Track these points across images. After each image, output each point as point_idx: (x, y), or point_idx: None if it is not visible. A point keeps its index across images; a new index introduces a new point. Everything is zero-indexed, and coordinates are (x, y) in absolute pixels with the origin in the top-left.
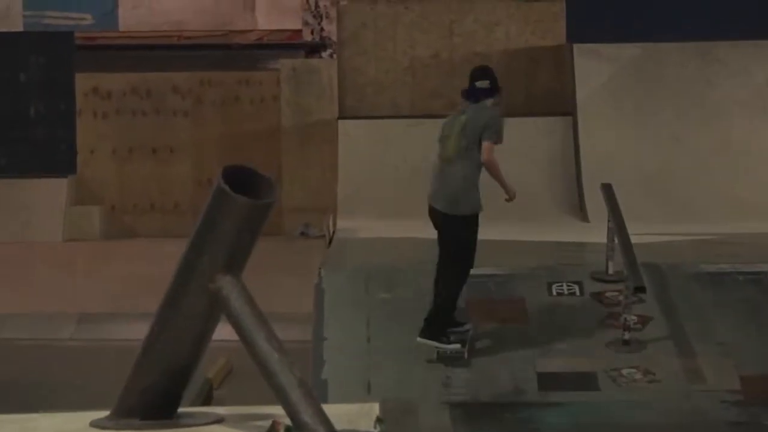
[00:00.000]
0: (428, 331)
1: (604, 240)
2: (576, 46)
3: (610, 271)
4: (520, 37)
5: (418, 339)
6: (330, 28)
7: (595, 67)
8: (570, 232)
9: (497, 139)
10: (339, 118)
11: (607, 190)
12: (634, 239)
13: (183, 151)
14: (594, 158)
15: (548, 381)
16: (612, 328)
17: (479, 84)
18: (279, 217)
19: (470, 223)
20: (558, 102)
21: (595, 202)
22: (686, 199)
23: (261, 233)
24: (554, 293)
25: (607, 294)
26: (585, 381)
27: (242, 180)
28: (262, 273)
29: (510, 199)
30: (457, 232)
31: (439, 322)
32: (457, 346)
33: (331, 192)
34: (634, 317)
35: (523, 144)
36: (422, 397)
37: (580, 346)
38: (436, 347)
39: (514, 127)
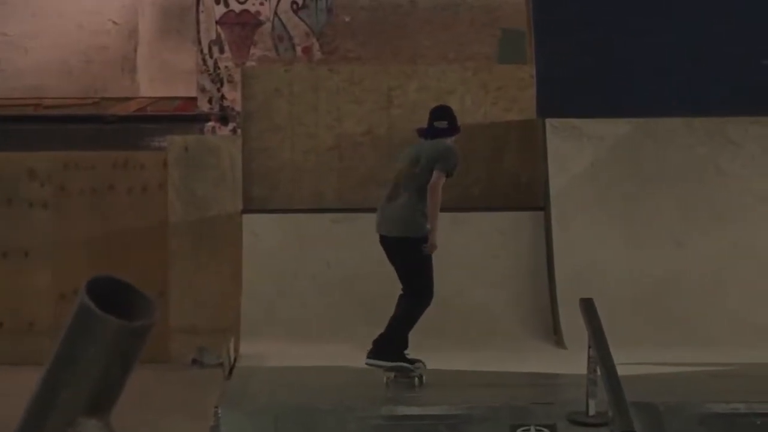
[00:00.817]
0: (377, 352)
1: (584, 371)
2: (549, 122)
3: (592, 412)
4: (478, 109)
5: (366, 361)
6: (233, 96)
7: (575, 149)
8: (541, 361)
9: (449, 172)
10: (244, 212)
11: (588, 307)
12: (622, 371)
13: (41, 254)
14: (572, 266)
15: None
16: None
17: (437, 124)
18: (165, 339)
19: (420, 245)
20: (527, 193)
21: (573, 323)
22: (691, 320)
23: (138, 362)
24: None
25: None
26: None
27: (114, 294)
28: (141, 412)
29: (429, 250)
30: (408, 255)
31: (390, 346)
32: (408, 365)
33: (232, 308)
34: None
35: (482, 246)
36: None
37: None
38: (386, 367)
39: (470, 225)
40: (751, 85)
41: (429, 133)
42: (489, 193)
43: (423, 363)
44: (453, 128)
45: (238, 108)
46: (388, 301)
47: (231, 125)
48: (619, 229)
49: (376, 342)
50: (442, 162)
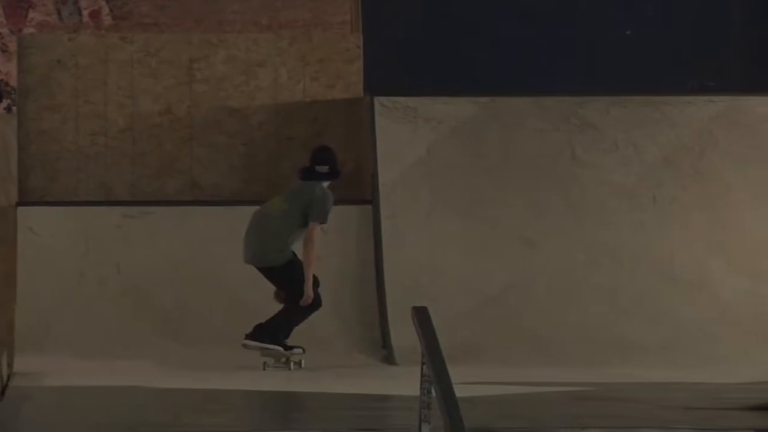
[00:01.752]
0: (255, 334)
1: (417, 392)
2: (378, 101)
3: None
4: (296, 85)
5: (244, 342)
6: (8, 68)
7: (408, 132)
8: (368, 380)
9: (323, 219)
10: (19, 204)
11: (422, 316)
12: (461, 391)
13: None
14: (404, 269)
15: None
16: None
17: (318, 168)
18: None
19: (286, 269)
20: (352, 184)
21: (406, 336)
22: (541, 333)
23: None
24: None
25: None
26: None
27: None
28: None
29: (304, 303)
30: (280, 281)
31: (271, 331)
32: (280, 349)
33: (4, 317)
34: None
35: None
36: None
37: None
38: (263, 348)
39: None
40: (613, 60)
41: (308, 174)
42: None
43: (302, 349)
44: (333, 174)
45: (13, 82)
46: (186, 310)
47: (5, 103)
48: (460, 227)
49: (257, 326)
50: (317, 210)
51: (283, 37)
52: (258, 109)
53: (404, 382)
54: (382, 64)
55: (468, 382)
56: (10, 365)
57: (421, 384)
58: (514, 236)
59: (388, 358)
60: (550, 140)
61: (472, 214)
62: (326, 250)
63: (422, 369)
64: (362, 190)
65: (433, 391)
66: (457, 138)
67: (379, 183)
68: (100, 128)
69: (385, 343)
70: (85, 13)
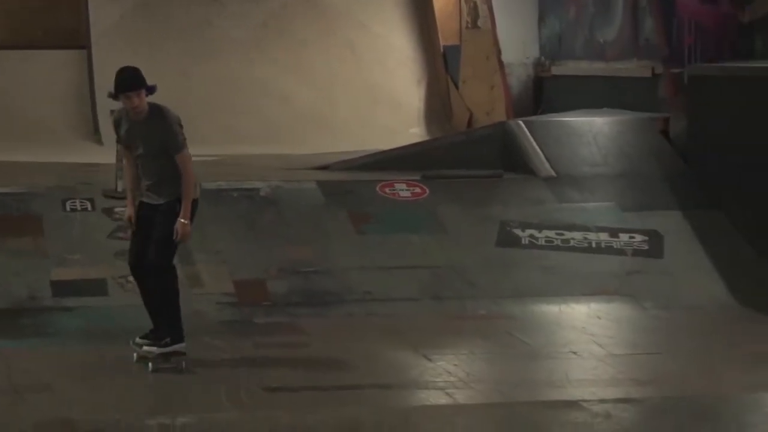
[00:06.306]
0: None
1: (115, 161)
2: None
3: (119, 189)
4: None
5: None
6: None
7: (109, 6)
8: (85, 155)
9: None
10: None
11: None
12: None
13: None
14: (108, 88)
15: (62, 288)
16: (120, 240)
17: None
18: None
19: None
20: (74, 37)
21: (109, 129)
22: (194, 126)
23: None
24: (68, 209)
25: (116, 209)
26: (95, 287)
27: None
28: None
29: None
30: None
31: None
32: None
33: None
34: None
35: (42, 76)
36: None
37: (91, 256)
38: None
39: (33, 61)
40: None
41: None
42: (47, 37)
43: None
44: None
45: None
46: None
47: None
48: (142, 64)
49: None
50: None
51: None
52: None
53: (108, 155)
54: None
55: None
56: None
57: (116, 155)
58: (175, 69)
59: (99, 140)
60: (194, 12)
61: (149, 56)
62: (58, 76)
63: (117, 146)
64: (80, 40)
65: (124, 159)
66: (139, 10)
67: (91, 35)
68: None
69: (97, 131)
70: None
